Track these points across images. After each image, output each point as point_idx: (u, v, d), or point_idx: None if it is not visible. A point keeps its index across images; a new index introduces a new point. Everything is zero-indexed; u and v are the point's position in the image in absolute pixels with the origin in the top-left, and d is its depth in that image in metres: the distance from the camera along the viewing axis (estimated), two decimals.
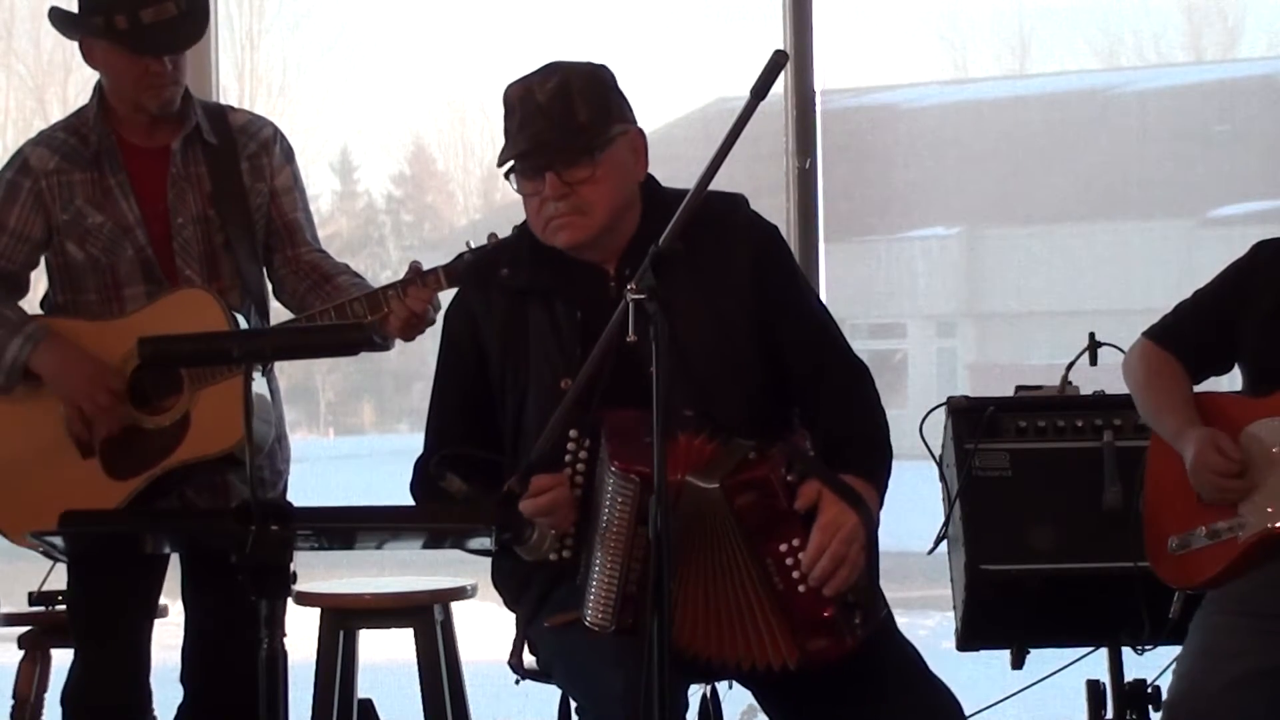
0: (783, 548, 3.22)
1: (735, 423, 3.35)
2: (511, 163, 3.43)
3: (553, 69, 3.42)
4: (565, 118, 3.38)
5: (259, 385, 4.17)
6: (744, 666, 3.26)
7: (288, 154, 4.32)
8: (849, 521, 3.21)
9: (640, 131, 3.49)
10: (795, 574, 3.21)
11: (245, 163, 4.24)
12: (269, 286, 4.32)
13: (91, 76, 4.23)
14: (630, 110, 3.48)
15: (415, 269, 4.01)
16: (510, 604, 3.56)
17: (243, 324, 4.12)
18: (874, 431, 3.45)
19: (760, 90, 3.16)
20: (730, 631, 3.24)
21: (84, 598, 4.22)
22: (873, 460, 3.39)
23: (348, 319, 3.99)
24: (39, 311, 4.27)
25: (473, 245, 3.93)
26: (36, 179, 4.19)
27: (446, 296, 3.99)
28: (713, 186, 3.23)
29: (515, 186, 3.46)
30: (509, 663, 3.52)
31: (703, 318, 3.42)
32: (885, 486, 3.39)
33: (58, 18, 4.20)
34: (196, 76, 4.63)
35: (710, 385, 3.40)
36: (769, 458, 3.24)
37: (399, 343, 4.11)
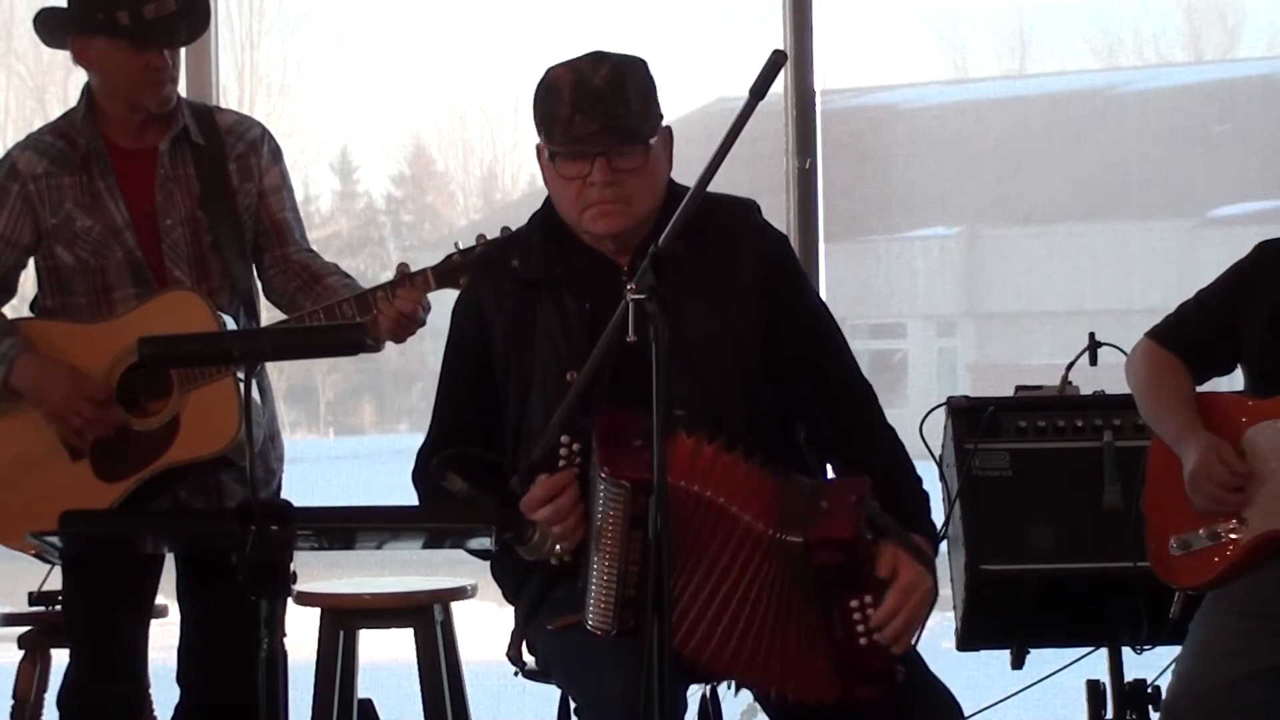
0: (854, 603, 3.22)
1: (740, 424, 3.35)
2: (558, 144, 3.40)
3: (601, 56, 3.40)
4: (622, 104, 3.37)
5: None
6: (777, 694, 3.26)
7: (275, 154, 4.32)
8: (925, 585, 3.25)
9: (669, 129, 3.49)
10: (860, 628, 3.22)
11: (233, 163, 4.24)
12: (258, 287, 4.32)
13: None
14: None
15: (403, 270, 4.01)
16: (509, 597, 3.56)
17: (230, 325, 4.12)
18: (912, 473, 3.47)
19: (759, 90, 3.16)
20: (770, 661, 3.24)
21: (79, 599, 4.21)
22: (925, 512, 3.42)
23: (336, 321, 3.99)
24: (29, 314, 4.27)
25: (461, 246, 3.94)
26: (25, 183, 4.18)
27: (436, 297, 4.00)
28: (713, 187, 3.23)
29: (555, 169, 3.42)
30: (507, 654, 3.51)
31: (710, 319, 3.42)
32: (938, 538, 3.43)
33: (47, 19, 4.18)
34: (196, 77, 4.65)
35: (716, 386, 3.40)
36: (846, 509, 3.22)
37: (399, 344, 4.10)
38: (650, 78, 3.45)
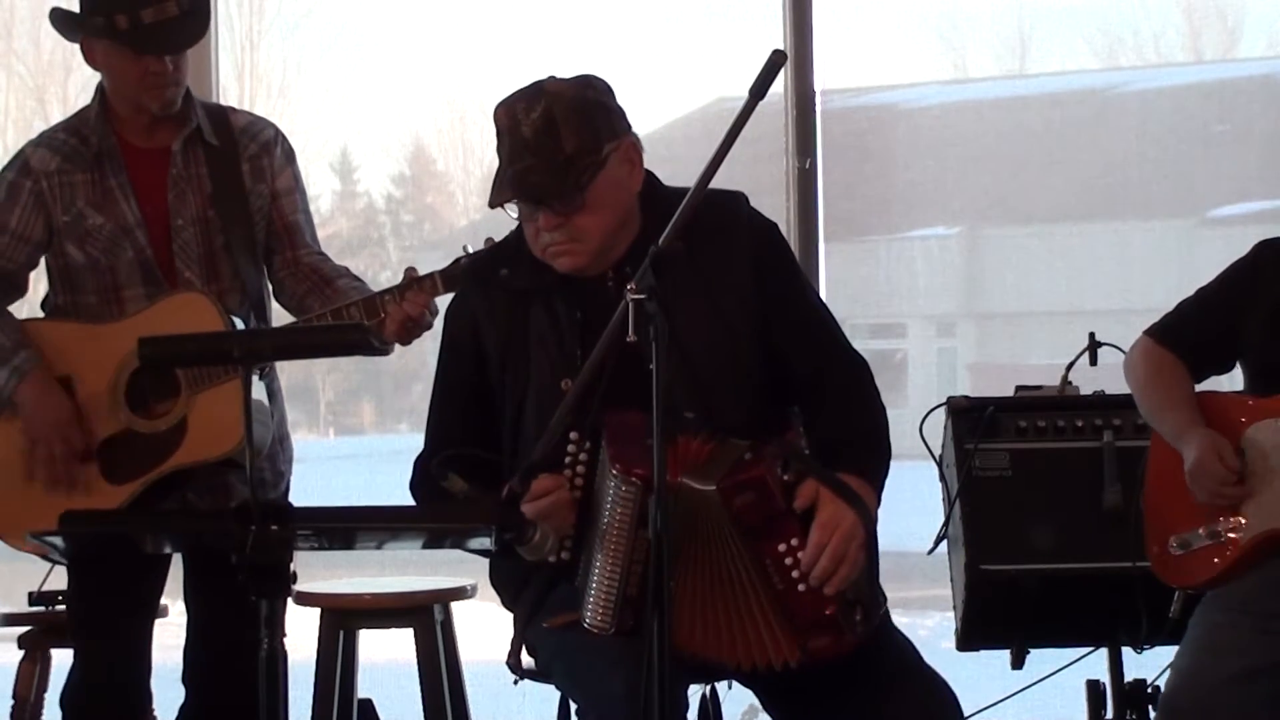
0: (781, 547, 3.22)
1: (736, 422, 3.35)
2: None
3: (537, 93, 3.36)
4: (552, 152, 3.33)
5: (257, 389, 4.17)
6: (744, 666, 3.26)
7: (289, 155, 4.32)
8: (847, 519, 3.22)
9: (633, 141, 3.43)
10: (795, 573, 3.21)
11: (246, 164, 4.24)
12: (268, 288, 4.32)
13: (93, 76, 4.24)
14: (622, 119, 3.43)
15: (410, 275, 4.01)
16: (508, 604, 3.56)
17: (239, 326, 4.12)
18: (872, 429, 3.46)
19: (759, 90, 3.16)
20: (729, 632, 3.24)
21: (83, 598, 4.22)
22: (869, 458, 3.40)
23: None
24: (39, 314, 4.27)
25: (470, 249, 3.94)
26: (37, 180, 4.19)
27: (443, 300, 4.00)
28: (712, 186, 3.22)
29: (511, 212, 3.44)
30: (507, 663, 3.52)
31: (704, 317, 3.42)
32: (882, 484, 3.40)
33: (58, 19, 4.20)
34: (196, 77, 4.64)
35: (711, 385, 3.40)
36: (764, 457, 3.24)
37: (405, 345, 4.10)
38: (591, 104, 3.38)
